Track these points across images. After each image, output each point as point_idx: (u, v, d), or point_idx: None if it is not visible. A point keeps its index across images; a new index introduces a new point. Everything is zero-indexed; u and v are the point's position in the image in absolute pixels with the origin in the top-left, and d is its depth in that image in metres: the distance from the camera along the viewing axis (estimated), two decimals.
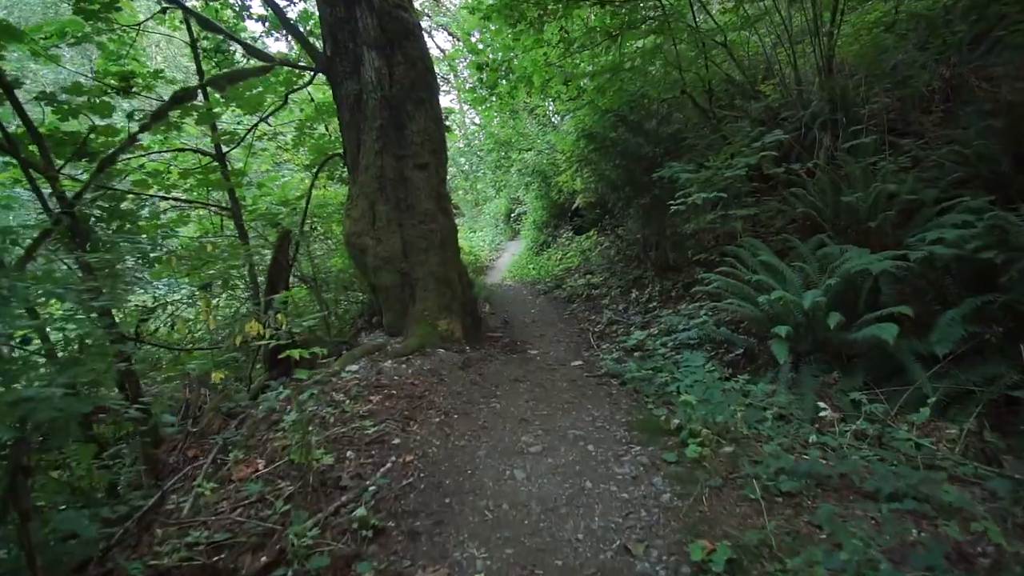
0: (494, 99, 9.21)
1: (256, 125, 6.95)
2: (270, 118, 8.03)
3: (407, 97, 5.68)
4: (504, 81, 8.93)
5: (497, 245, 19.81)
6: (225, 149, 6.88)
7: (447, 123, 15.43)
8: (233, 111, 7.41)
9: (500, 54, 8.12)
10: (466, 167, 21.84)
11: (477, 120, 20.53)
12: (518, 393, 4.55)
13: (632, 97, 7.60)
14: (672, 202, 5.34)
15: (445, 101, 26.17)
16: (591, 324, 7.11)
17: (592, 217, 8.86)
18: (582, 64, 8.52)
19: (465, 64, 15.53)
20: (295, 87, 6.35)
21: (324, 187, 8.25)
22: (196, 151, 7.03)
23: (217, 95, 6.77)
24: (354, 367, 4.88)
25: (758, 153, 5.26)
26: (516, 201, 19.82)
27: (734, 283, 4.89)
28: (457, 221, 21.98)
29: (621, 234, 9.49)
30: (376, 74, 5.51)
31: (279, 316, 5.31)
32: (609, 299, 7.85)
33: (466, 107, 21.08)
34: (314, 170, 6.69)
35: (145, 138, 6.88)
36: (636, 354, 5.60)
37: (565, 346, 6.31)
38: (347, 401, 4.16)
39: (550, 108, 17.83)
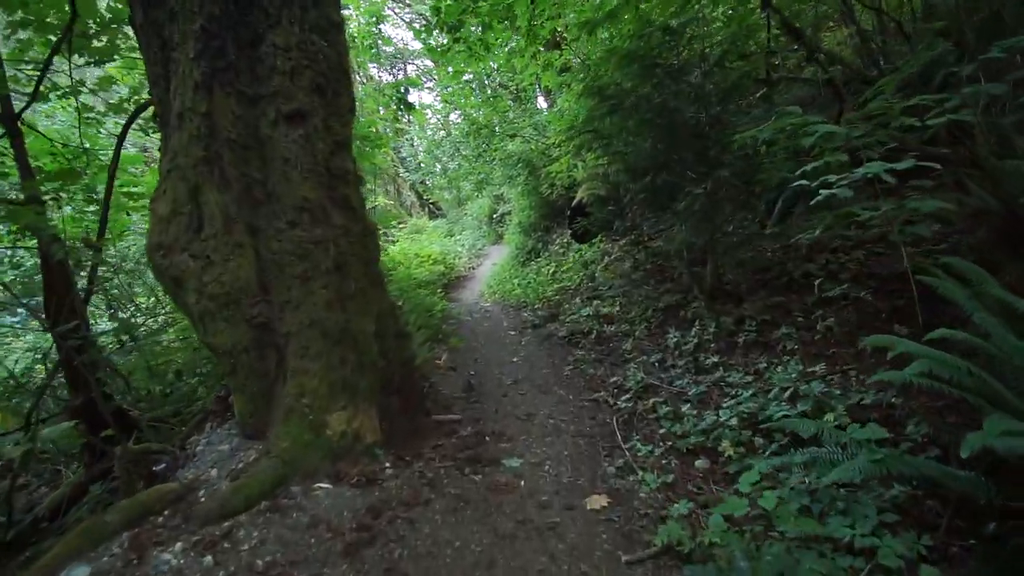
0: (459, 51, 6.40)
1: (48, 64, 4.10)
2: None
3: None
4: (473, 26, 6.14)
5: (478, 250, 17.04)
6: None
7: (412, 102, 12.53)
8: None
9: None
10: (445, 159, 19.08)
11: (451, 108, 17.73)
12: None
13: (663, 31, 4.83)
14: (815, 184, 2.59)
15: (425, 98, 23.40)
16: (610, 391, 4.35)
17: (602, 217, 6.13)
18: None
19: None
20: None
21: None
22: None
23: None
24: (80, 574, 2.06)
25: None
26: (500, 199, 17.05)
27: (957, 365, 2.16)
28: (437, 223, 19.26)
29: (639, 239, 6.73)
30: None
31: None
32: (632, 342, 5.09)
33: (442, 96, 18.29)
34: (120, 133, 3.83)
35: None
36: (715, 469, 2.86)
37: (570, 446, 3.54)
38: None
39: (537, 92, 15.12)
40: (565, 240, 9.33)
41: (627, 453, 3.37)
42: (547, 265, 8.93)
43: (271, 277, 3.02)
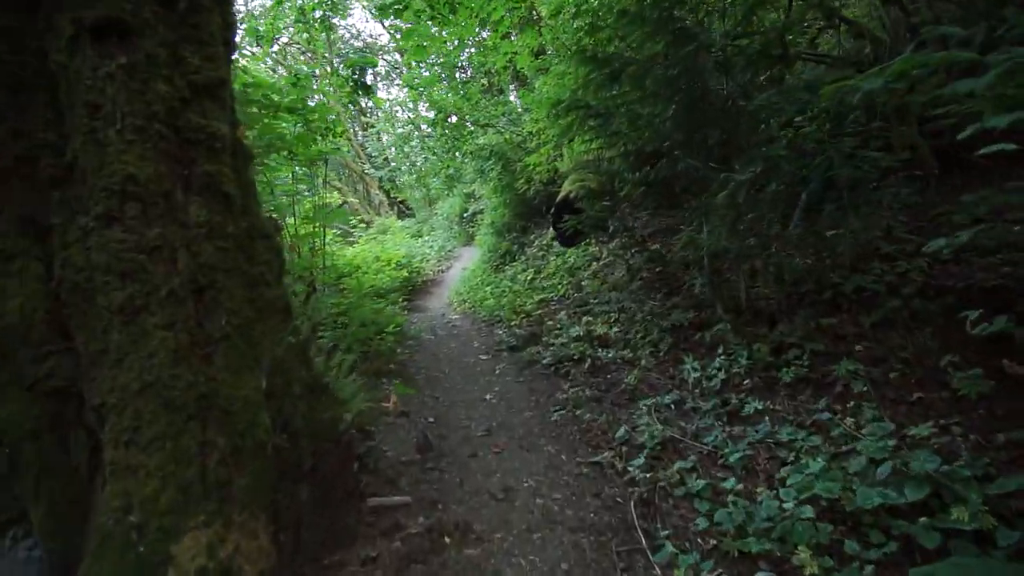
0: (418, 9, 5.19)
1: None
2: None
3: None
4: None
5: (448, 252, 15.81)
6: None
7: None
8: None
9: None
10: (413, 156, 17.81)
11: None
12: None
13: None
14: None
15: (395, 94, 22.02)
16: (616, 449, 3.21)
17: (595, 215, 5.03)
18: None
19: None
20: None
21: None
22: None
23: None
24: None
25: None
26: (471, 197, 15.85)
27: None
28: (405, 222, 18.00)
29: (638, 241, 5.65)
30: None
31: None
32: (637, 374, 4.00)
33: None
34: None
35: None
36: None
37: (570, 551, 2.40)
38: None
39: (512, 87, 13.99)
40: (545, 242, 8.21)
41: (656, 567, 2.24)
42: (524, 271, 7.79)
43: (73, 310, 1.78)
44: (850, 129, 3.89)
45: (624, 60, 3.82)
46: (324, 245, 6.80)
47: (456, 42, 10.73)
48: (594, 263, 6.20)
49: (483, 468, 3.13)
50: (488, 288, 8.10)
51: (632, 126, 3.91)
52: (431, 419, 3.75)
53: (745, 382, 3.49)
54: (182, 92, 1.86)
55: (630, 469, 2.96)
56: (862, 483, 2.41)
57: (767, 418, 3.10)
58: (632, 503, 2.67)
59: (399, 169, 19.38)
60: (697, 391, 3.64)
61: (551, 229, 7.56)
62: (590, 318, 5.02)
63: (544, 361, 4.56)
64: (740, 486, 2.68)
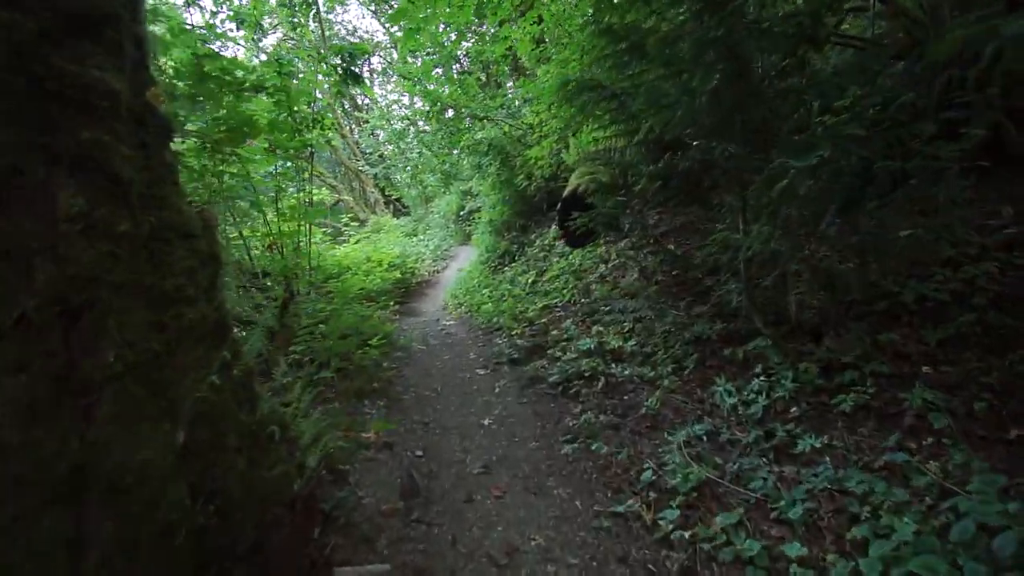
0: None
1: None
2: None
3: None
4: None
5: (444, 251, 15.23)
6: None
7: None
8: None
9: None
10: (408, 152, 17.21)
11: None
12: None
13: None
14: None
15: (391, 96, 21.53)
16: (642, 495, 2.65)
17: (608, 212, 4.45)
18: None
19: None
20: None
21: None
22: None
23: None
24: None
25: None
26: (468, 195, 15.27)
27: None
28: (400, 221, 17.39)
29: (654, 240, 5.09)
30: None
31: None
32: (660, 396, 3.43)
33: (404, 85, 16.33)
34: None
35: None
36: None
37: None
38: None
39: (509, 83, 13.41)
40: (547, 242, 7.62)
41: None
42: (525, 273, 7.21)
43: None
44: (902, 113, 3.34)
45: (647, 30, 3.25)
46: (310, 244, 6.22)
47: (453, 36, 10.18)
48: (603, 265, 5.63)
49: (481, 518, 2.56)
50: (486, 291, 7.53)
51: (655, 108, 3.34)
52: (419, 452, 3.17)
53: (792, 410, 2.93)
54: (43, 23, 1.29)
55: (661, 523, 2.40)
56: (968, 556, 1.85)
57: (828, 458, 2.54)
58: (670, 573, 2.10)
59: (394, 166, 18.80)
60: (733, 419, 3.08)
61: (554, 228, 6.98)
62: (601, 328, 4.45)
63: (551, 379, 3.99)
64: (805, 550, 2.12)
